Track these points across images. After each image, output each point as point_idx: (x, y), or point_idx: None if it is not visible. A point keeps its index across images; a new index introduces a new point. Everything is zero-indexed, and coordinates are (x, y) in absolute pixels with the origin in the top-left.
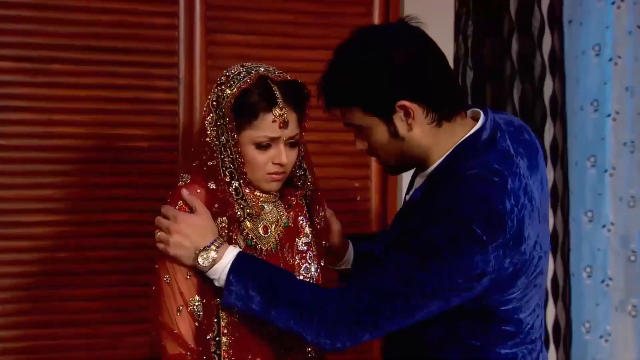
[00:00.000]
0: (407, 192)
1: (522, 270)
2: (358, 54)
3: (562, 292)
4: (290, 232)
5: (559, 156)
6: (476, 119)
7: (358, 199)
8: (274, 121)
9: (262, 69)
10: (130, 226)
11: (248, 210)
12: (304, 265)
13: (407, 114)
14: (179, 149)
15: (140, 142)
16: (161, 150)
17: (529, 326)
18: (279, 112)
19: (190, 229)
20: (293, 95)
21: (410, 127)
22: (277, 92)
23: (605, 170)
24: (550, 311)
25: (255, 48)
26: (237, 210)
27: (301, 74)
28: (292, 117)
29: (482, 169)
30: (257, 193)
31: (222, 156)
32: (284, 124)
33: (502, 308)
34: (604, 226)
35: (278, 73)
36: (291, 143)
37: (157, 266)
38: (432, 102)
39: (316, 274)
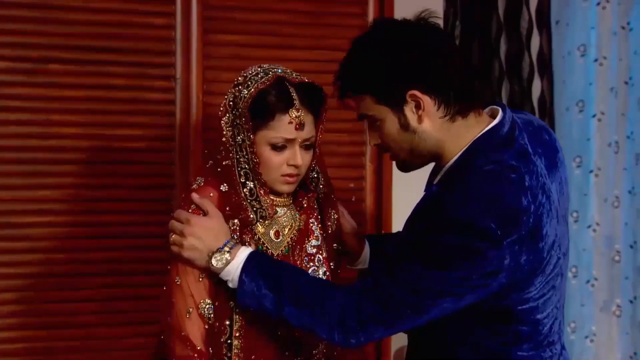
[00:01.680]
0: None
1: (540, 268)
2: (373, 43)
3: None
4: (301, 235)
5: None
6: (494, 117)
7: (353, 199)
8: (290, 122)
9: (279, 71)
10: (127, 227)
11: (261, 213)
12: (312, 268)
13: (418, 105)
14: (176, 150)
15: (137, 142)
16: (158, 151)
17: (546, 328)
18: (296, 114)
19: (203, 232)
20: (310, 97)
21: (420, 119)
22: (294, 94)
23: (591, 171)
24: None
25: (252, 48)
26: (249, 214)
27: (299, 74)
28: (308, 120)
29: (499, 165)
30: (272, 196)
31: (238, 156)
32: (300, 126)
33: (519, 307)
34: (589, 226)
35: (295, 75)
36: (306, 145)
37: (169, 267)
38: (444, 95)
39: (324, 277)
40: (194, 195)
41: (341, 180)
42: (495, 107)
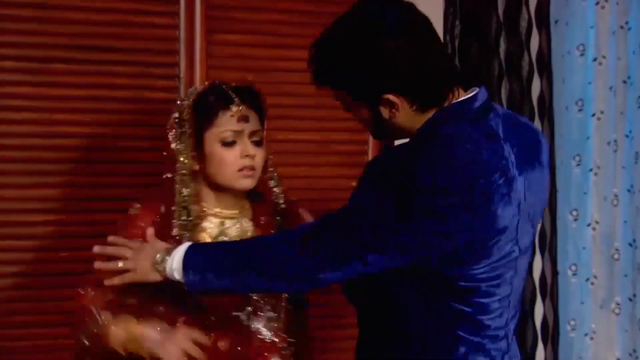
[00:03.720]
0: None
1: (486, 246)
2: (350, 41)
3: (550, 290)
4: None
5: None
6: None
7: None
8: (232, 116)
9: (215, 81)
10: None
11: (186, 225)
12: None
13: (392, 105)
14: None
15: (140, 141)
16: (162, 150)
17: (490, 316)
18: (237, 107)
19: (142, 250)
20: (247, 94)
21: (393, 115)
22: (231, 92)
23: (590, 169)
24: (539, 309)
25: (255, 48)
26: (175, 227)
27: (301, 74)
28: (251, 114)
29: (459, 132)
30: (218, 210)
31: (179, 165)
32: (243, 118)
33: (463, 283)
34: (588, 225)
35: (230, 82)
36: (256, 142)
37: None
38: (420, 96)
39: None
40: (150, 233)
41: (342, 179)
42: (475, 88)
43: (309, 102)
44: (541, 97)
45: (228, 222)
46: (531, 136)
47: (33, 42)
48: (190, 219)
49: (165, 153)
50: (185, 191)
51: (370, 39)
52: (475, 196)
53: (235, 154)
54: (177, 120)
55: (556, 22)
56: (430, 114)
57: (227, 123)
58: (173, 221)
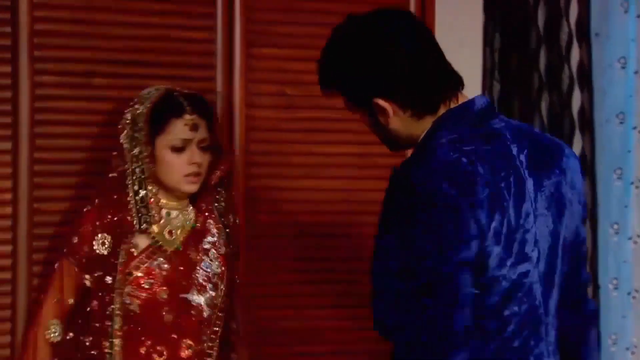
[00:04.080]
0: None
1: (502, 240)
2: (344, 45)
3: None
4: (198, 233)
5: (588, 169)
6: None
7: None
8: (185, 125)
9: (169, 87)
10: None
11: (146, 219)
12: (207, 261)
13: (383, 110)
14: None
15: None
16: None
17: (511, 327)
18: (189, 117)
19: None
20: (198, 104)
21: (387, 121)
22: (184, 102)
23: (631, 183)
24: None
25: (295, 61)
26: (134, 219)
27: None
28: (201, 123)
29: (456, 136)
30: (164, 201)
31: (134, 166)
32: (194, 127)
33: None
34: (629, 238)
35: (182, 89)
36: (203, 147)
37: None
38: (409, 102)
39: (218, 271)
40: None
41: (382, 193)
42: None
43: (349, 115)
44: (582, 110)
45: (173, 212)
46: (549, 144)
47: (72, 57)
48: (150, 214)
49: (115, 153)
50: (142, 192)
51: (363, 46)
52: (481, 197)
53: (182, 159)
54: (129, 123)
55: (597, 34)
56: (428, 120)
57: (178, 131)
58: (131, 214)
